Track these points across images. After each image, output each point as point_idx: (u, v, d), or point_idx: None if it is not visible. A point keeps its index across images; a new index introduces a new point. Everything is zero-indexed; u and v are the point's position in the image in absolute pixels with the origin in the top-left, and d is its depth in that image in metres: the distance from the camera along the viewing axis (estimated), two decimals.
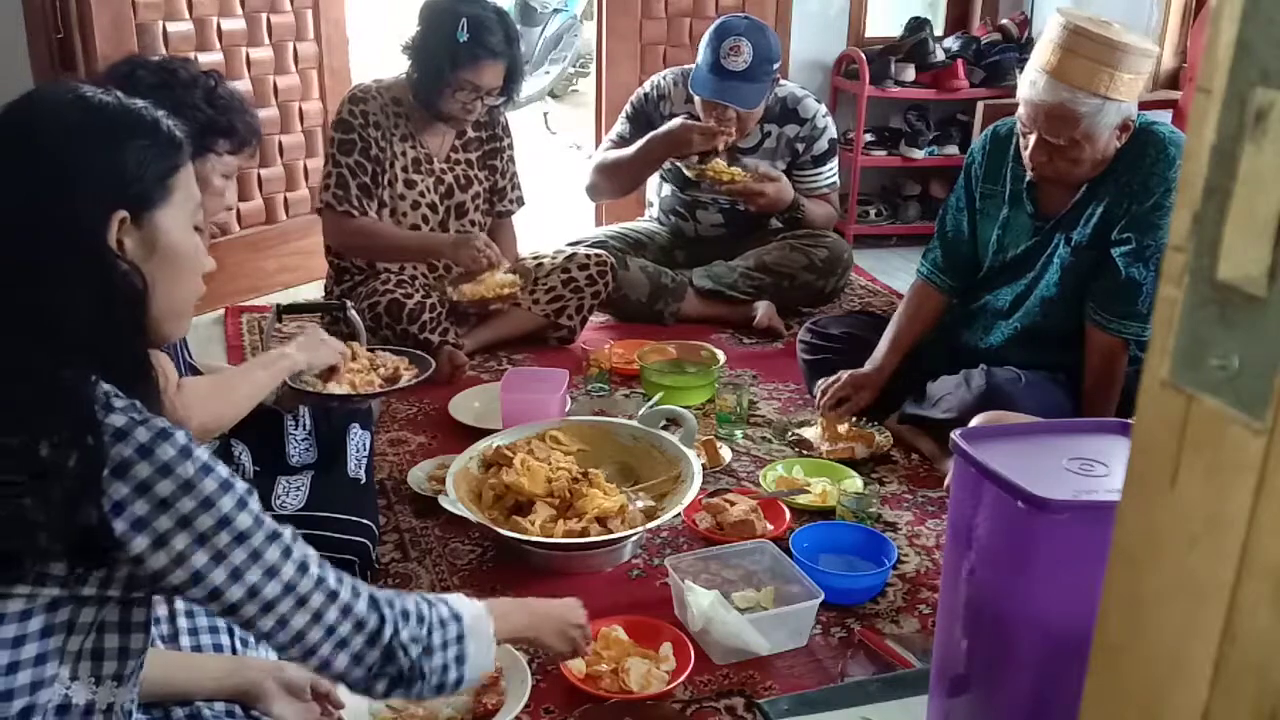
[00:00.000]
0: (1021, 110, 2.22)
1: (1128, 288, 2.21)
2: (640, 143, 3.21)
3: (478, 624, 1.26)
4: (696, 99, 3.17)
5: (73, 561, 1.03)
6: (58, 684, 1.08)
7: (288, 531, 1.13)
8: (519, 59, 2.88)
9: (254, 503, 1.10)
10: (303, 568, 1.12)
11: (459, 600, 1.27)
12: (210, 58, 3.24)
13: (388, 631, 1.16)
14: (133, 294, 1.11)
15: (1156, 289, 2.13)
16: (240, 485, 1.09)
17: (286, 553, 1.11)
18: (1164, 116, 3.69)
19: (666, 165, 3.31)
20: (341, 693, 1.60)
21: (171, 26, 3.14)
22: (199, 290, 1.24)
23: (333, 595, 1.14)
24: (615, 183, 3.36)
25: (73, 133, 1.11)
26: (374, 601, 1.17)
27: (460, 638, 1.23)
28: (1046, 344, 2.35)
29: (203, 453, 1.07)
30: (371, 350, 2.19)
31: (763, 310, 3.23)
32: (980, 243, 2.48)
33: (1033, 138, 2.21)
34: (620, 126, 3.38)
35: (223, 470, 1.08)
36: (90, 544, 1.02)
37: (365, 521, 1.94)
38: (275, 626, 1.11)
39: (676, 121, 3.14)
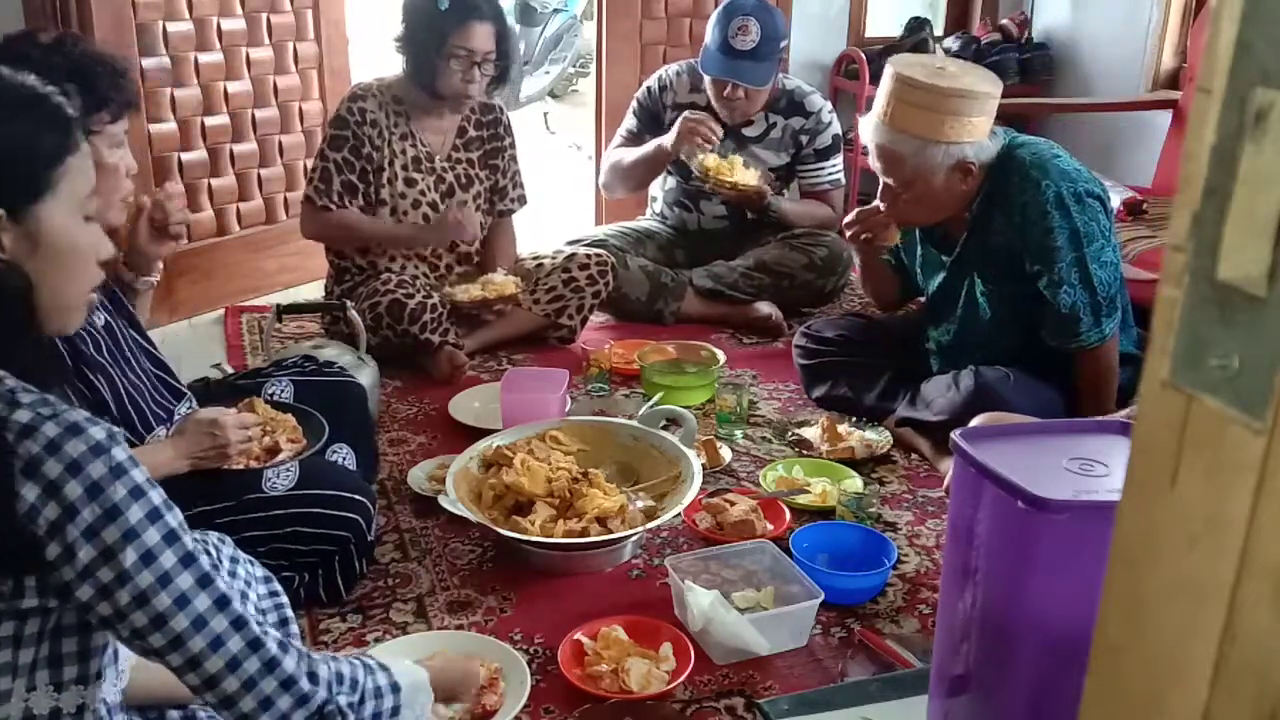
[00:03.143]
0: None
1: (1065, 314, 2.23)
2: (649, 146, 3.23)
3: (415, 696, 1.22)
4: (706, 80, 3.20)
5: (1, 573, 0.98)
6: (15, 698, 1.04)
7: (205, 561, 1.05)
8: (505, 22, 2.90)
9: (170, 517, 1.03)
10: (220, 603, 1.04)
11: (402, 670, 1.23)
12: (210, 58, 3.25)
13: (320, 696, 1.09)
14: (12, 292, 1.04)
15: (1089, 295, 2.14)
16: (156, 495, 1.02)
17: (203, 582, 1.04)
18: (1164, 117, 3.69)
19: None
20: None
21: (171, 26, 3.14)
22: (93, 280, 1.16)
23: (254, 643, 1.06)
24: (628, 182, 3.41)
25: None
26: (305, 659, 1.09)
27: (395, 710, 1.18)
28: (1014, 362, 2.35)
29: (120, 453, 1.00)
30: (281, 405, 2.03)
31: (767, 307, 3.24)
32: (913, 274, 2.56)
33: (881, 182, 2.32)
34: (629, 122, 3.41)
35: (138, 475, 1.01)
36: (12, 553, 0.97)
37: (358, 498, 1.90)
38: (185, 666, 1.03)
39: (672, 133, 3.14)
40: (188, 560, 1.04)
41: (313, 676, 1.09)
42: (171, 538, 1.03)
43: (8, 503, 0.96)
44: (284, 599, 1.57)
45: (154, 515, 1.02)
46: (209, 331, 3.27)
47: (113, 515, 0.99)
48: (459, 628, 1.86)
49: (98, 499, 0.98)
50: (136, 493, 1.00)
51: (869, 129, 2.27)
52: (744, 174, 3.15)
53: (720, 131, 3.13)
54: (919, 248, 2.49)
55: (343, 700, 1.11)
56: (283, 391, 2.13)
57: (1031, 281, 2.25)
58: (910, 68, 2.21)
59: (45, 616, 1.04)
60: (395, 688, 1.20)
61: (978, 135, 2.21)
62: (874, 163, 2.30)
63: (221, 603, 1.05)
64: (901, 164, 2.23)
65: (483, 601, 1.95)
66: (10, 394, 1.00)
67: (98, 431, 1.00)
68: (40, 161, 1.08)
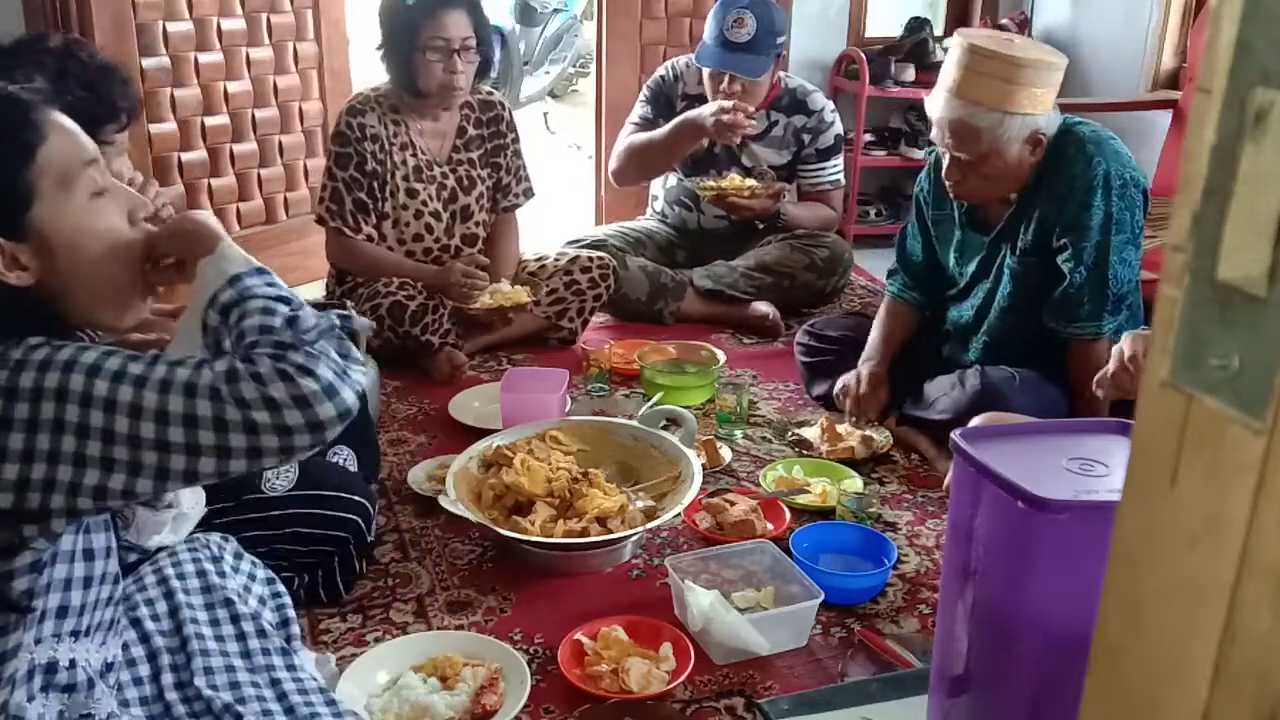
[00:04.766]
0: (933, 130, 2.27)
1: (1071, 294, 2.23)
2: (669, 126, 3.22)
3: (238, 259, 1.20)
4: (704, 74, 3.21)
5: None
6: (24, 651, 1.06)
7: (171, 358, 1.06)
8: (480, 8, 2.88)
9: (129, 355, 1.05)
10: (199, 365, 1.05)
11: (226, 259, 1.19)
12: (210, 58, 3.25)
13: (266, 364, 1.05)
14: (29, 307, 1.07)
15: (1099, 283, 2.11)
16: (122, 351, 1.05)
17: (175, 363, 1.04)
18: (1164, 117, 3.69)
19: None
20: (340, 686, 1.60)
21: (171, 26, 3.14)
22: (127, 258, 1.14)
23: (232, 374, 1.04)
24: (643, 167, 3.39)
25: None
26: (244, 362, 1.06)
27: (274, 284, 1.17)
28: (1015, 352, 2.36)
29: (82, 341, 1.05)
30: None
31: (765, 307, 3.24)
32: (944, 265, 2.52)
33: (947, 157, 2.25)
34: (641, 109, 3.41)
35: (103, 346, 1.05)
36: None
37: (358, 499, 1.91)
38: (227, 431, 1.02)
39: (710, 106, 3.12)
40: (153, 360, 1.05)
41: (250, 362, 1.06)
42: (132, 357, 1.05)
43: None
44: (286, 599, 1.57)
45: (109, 352, 1.04)
46: None
47: (95, 371, 1.01)
48: (459, 628, 1.86)
49: (75, 368, 1.01)
50: (108, 353, 1.04)
51: (940, 104, 2.20)
52: (752, 183, 3.17)
53: (750, 109, 3.11)
54: (957, 231, 2.44)
55: (268, 348, 1.07)
56: None
57: (1055, 255, 2.24)
58: (981, 39, 2.17)
59: (54, 565, 1.07)
60: (261, 270, 1.19)
61: (1046, 107, 2.18)
62: (943, 139, 2.22)
63: (199, 365, 1.05)
64: (977, 138, 2.16)
65: (483, 601, 1.95)
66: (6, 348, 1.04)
67: (73, 347, 1.05)
68: (8, 175, 1.05)
